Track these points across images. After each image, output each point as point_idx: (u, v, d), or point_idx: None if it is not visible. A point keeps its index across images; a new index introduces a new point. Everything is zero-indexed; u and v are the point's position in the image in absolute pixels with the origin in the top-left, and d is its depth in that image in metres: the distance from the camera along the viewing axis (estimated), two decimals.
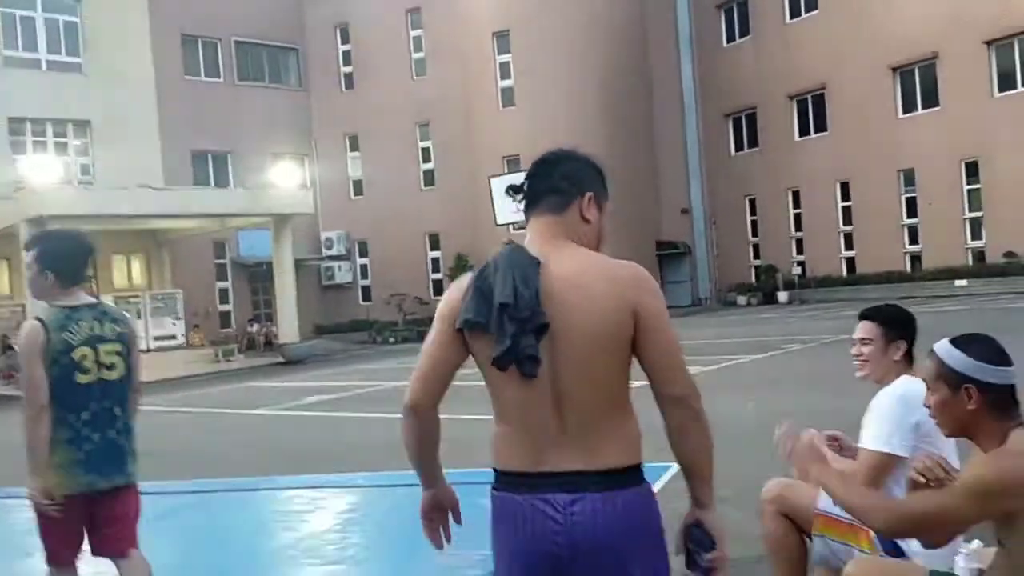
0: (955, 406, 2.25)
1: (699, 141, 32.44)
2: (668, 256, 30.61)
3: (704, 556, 2.04)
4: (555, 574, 1.99)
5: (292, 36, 32.45)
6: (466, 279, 2.10)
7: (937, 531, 2.31)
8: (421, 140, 31.70)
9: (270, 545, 5.54)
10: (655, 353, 1.99)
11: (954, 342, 2.30)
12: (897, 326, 3.19)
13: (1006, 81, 24.54)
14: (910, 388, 3.06)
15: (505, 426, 2.06)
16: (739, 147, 31.84)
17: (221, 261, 29.62)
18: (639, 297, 1.99)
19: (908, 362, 3.18)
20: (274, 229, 24.15)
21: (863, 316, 3.28)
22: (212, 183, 29.03)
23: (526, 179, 2.16)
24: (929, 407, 2.33)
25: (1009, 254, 24.01)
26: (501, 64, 28.68)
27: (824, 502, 3.14)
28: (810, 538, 3.22)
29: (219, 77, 30.79)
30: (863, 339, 3.23)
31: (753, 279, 30.69)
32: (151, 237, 25.83)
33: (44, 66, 25.15)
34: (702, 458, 2.03)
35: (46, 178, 20.99)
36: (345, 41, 32.66)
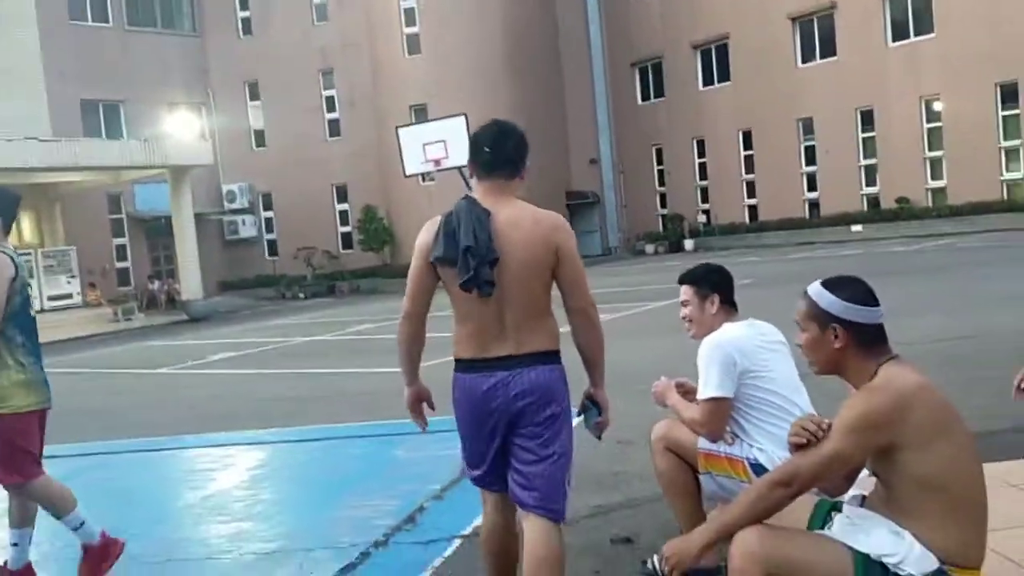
0: (823, 344, 2.37)
1: (607, 91, 32.56)
2: (578, 206, 30.82)
3: (594, 419, 2.99)
4: (498, 423, 2.85)
5: None
6: (434, 224, 2.88)
7: (833, 478, 2.40)
8: (325, 88, 30.86)
9: (175, 504, 5.42)
10: (567, 277, 2.84)
11: (825, 284, 2.41)
12: (705, 283, 3.37)
13: (899, 30, 25.35)
14: (722, 333, 3.24)
15: (463, 327, 2.88)
16: (645, 97, 32.12)
17: (117, 216, 28.37)
18: (557, 237, 2.82)
19: (729, 311, 3.36)
20: (172, 182, 23.26)
21: (679, 281, 3.46)
22: (104, 134, 27.62)
23: (488, 148, 2.90)
24: (800, 345, 2.43)
25: (901, 200, 25.06)
26: (406, 9, 28.03)
27: (703, 441, 3.25)
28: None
29: (107, 22, 29.16)
30: (683, 302, 3.42)
31: (661, 228, 31.24)
32: (41, 192, 24.52)
33: None
34: (596, 351, 2.93)
35: None
36: None
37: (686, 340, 3.46)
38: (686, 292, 3.39)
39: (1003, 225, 21.99)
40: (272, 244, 31.93)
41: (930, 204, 24.95)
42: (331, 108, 30.90)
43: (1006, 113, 23.58)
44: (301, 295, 28.41)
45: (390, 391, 9.12)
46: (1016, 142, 23.57)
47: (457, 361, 2.90)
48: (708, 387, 3.17)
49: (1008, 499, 3.55)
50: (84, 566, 3.87)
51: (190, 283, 23.63)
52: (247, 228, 31.26)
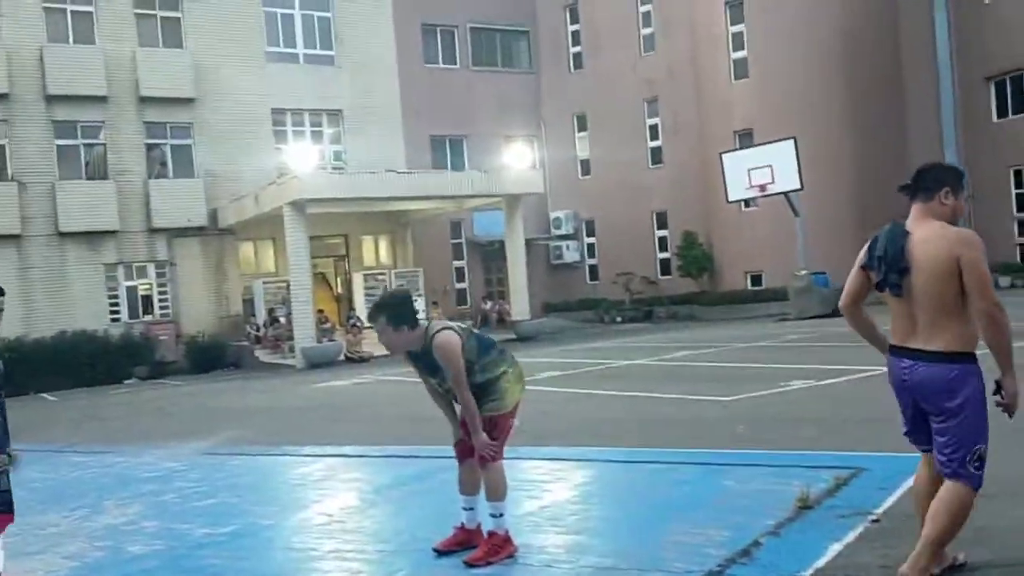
0: None
1: (955, 106, 29.67)
2: None
3: (1001, 400, 3.61)
4: (910, 397, 3.68)
5: (524, 18, 33.21)
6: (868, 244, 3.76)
7: None
8: (649, 117, 31.37)
9: (514, 511, 5.75)
10: (968, 283, 3.49)
11: None
12: None
13: None
14: None
15: (892, 320, 3.73)
16: (1002, 113, 28.81)
17: (457, 241, 30.98)
18: (959, 250, 3.51)
19: None
20: (506, 209, 24.89)
21: None
22: (449, 166, 30.39)
23: (912, 179, 3.74)
24: None
25: None
26: (734, 35, 27.70)
27: None
28: None
29: (455, 64, 32.09)
30: None
31: (1018, 258, 27.77)
32: (395, 218, 27.49)
33: (301, 59, 27.35)
34: (998, 345, 3.53)
35: (305, 165, 22.89)
36: (575, 21, 32.90)
37: None
38: None
39: None
40: (593, 269, 32.97)
41: None
42: (654, 136, 31.29)
43: None
44: (619, 319, 28.98)
45: (712, 419, 9.03)
46: None
47: (889, 346, 3.78)
48: None
49: None
50: (482, 544, 4.62)
51: (519, 304, 25.08)
52: (571, 253, 32.61)
